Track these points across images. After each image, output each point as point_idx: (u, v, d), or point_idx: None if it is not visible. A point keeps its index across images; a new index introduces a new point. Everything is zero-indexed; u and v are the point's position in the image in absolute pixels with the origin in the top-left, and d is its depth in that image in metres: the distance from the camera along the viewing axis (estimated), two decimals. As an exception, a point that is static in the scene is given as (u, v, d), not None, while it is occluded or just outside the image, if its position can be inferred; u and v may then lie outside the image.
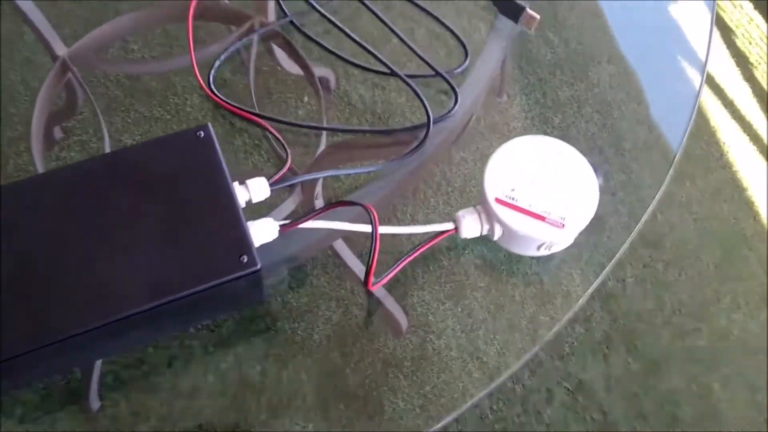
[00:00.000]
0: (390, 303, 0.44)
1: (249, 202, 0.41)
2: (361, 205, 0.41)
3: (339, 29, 0.52)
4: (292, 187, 0.47)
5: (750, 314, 1.24)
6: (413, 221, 0.48)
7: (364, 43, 0.51)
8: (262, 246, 0.40)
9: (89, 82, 0.52)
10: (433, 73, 0.53)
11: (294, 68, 0.55)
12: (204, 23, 0.55)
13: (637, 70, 0.60)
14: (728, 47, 1.60)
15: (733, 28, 1.63)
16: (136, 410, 0.39)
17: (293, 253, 0.45)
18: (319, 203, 0.48)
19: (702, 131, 1.45)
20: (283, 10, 0.55)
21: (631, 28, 0.63)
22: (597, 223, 0.45)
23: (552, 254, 0.46)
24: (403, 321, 0.44)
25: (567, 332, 1.17)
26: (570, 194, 0.43)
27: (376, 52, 0.51)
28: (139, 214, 0.37)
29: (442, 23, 0.57)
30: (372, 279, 0.41)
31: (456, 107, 0.51)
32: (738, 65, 1.57)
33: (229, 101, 0.50)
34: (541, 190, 0.43)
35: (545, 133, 0.54)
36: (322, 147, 0.50)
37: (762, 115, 1.52)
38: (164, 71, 0.53)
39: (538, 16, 0.56)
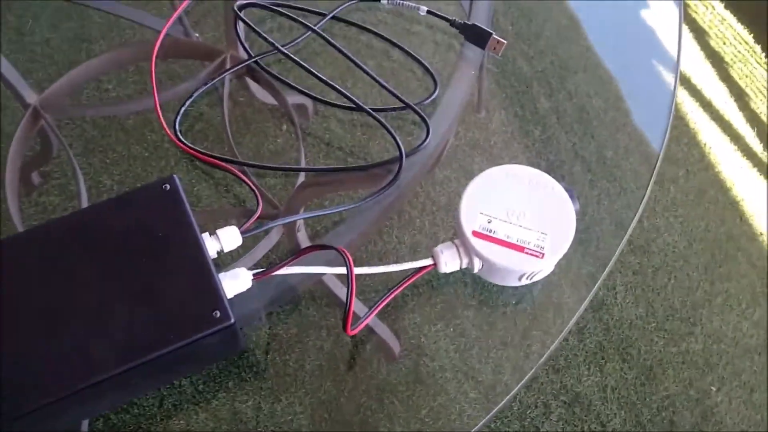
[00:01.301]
0: (381, 328, 0.45)
1: (221, 252, 0.42)
2: (335, 249, 0.41)
3: (302, 67, 0.52)
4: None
5: (743, 314, 1.26)
6: (396, 252, 0.48)
7: (329, 80, 0.52)
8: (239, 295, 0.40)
9: (65, 124, 0.52)
10: (404, 105, 0.53)
11: (269, 98, 0.55)
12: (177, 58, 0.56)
13: (614, 77, 0.61)
14: (702, 48, 1.64)
15: (706, 29, 1.67)
16: (129, 455, 0.39)
17: (273, 297, 0.45)
18: (301, 235, 0.48)
19: (682, 134, 1.48)
20: (247, 52, 0.56)
21: (606, 36, 0.65)
22: (585, 233, 0.46)
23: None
24: (395, 345, 0.44)
25: (561, 344, 1.18)
26: (547, 222, 0.43)
27: (340, 88, 0.51)
28: (107, 275, 0.37)
29: (410, 54, 0.58)
30: (350, 322, 0.41)
31: (428, 139, 0.52)
32: (714, 66, 1.61)
33: (195, 148, 0.50)
34: (518, 221, 0.43)
35: (527, 147, 0.55)
36: (301, 179, 0.51)
37: (740, 114, 1.55)
38: (139, 110, 0.53)
39: (504, 41, 0.57)
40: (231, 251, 0.42)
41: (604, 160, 0.56)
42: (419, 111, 0.53)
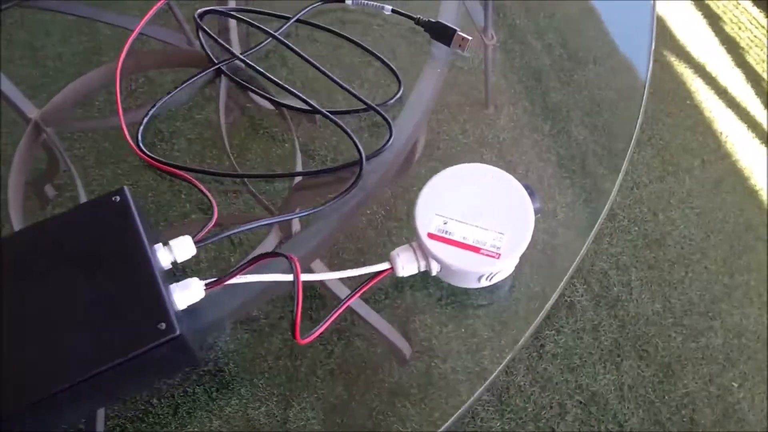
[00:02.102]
0: (391, 331, 0.46)
1: (175, 263, 0.42)
2: (284, 255, 0.41)
3: (260, 73, 0.54)
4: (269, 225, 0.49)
5: (765, 307, 1.26)
6: (364, 255, 0.49)
7: (285, 84, 0.53)
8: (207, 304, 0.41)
9: (78, 136, 0.54)
10: (367, 107, 0.54)
11: (266, 102, 0.57)
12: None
13: (627, 67, 0.62)
14: (717, 34, 1.64)
15: (721, 15, 1.68)
16: (144, 463, 0.40)
17: (236, 306, 0.46)
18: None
19: (697, 123, 1.49)
20: (210, 60, 0.57)
21: (615, 26, 0.66)
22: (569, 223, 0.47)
23: (499, 282, 0.47)
24: (405, 348, 0.45)
25: (575, 343, 1.19)
26: (504, 222, 0.44)
27: (298, 93, 0.53)
28: (53, 290, 0.38)
29: (374, 54, 0.59)
30: (298, 332, 0.40)
31: (391, 139, 0.53)
32: (729, 52, 1.62)
33: (154, 157, 0.51)
34: (474, 221, 0.44)
35: (536, 142, 0.56)
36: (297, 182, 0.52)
37: (757, 100, 1.55)
38: (139, 121, 0.55)
39: (470, 38, 0.58)
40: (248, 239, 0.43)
41: (616, 152, 0.57)
42: (381, 111, 0.54)
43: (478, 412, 0.95)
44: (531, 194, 0.45)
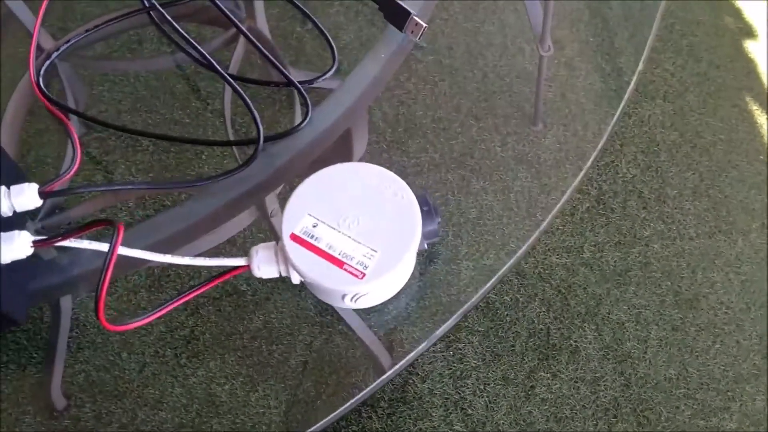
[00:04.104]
0: (372, 339, 0.49)
1: (15, 212, 0.44)
2: (110, 222, 0.41)
3: (177, 45, 0.57)
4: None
5: (793, 401, 1.29)
6: (237, 245, 0.51)
7: (200, 48, 0.55)
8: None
9: (119, 80, 0.59)
10: (287, 81, 0.55)
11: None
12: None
13: (695, 110, 0.65)
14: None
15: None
16: (100, 414, 0.45)
17: (74, 276, 0.49)
18: (276, 220, 0.52)
19: (766, 183, 1.50)
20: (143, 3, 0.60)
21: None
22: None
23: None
24: (385, 358, 0.49)
25: (570, 392, 1.22)
26: (382, 237, 0.43)
27: (208, 56, 0.54)
28: None
29: (315, 23, 0.60)
30: (103, 311, 0.40)
31: (304, 123, 0.54)
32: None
33: (52, 97, 0.54)
34: (348, 229, 0.43)
35: (578, 169, 0.59)
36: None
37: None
38: (157, 69, 0.59)
39: (425, 24, 0.58)
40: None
41: (665, 199, 0.59)
42: (300, 87, 0.55)
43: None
44: (428, 213, 0.44)
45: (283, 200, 0.49)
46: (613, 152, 0.60)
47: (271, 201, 0.53)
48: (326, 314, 0.50)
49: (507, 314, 0.51)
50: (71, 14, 0.61)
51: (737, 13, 1.60)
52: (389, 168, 0.46)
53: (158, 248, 0.43)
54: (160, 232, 0.51)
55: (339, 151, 0.56)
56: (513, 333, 0.51)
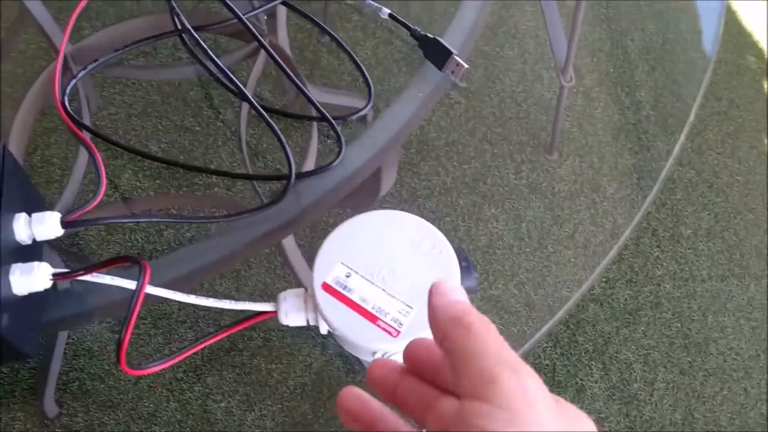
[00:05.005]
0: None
1: (35, 240, 0.43)
2: (137, 260, 0.40)
3: (210, 73, 0.57)
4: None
5: (801, 453, 1.28)
6: (265, 286, 0.50)
7: (234, 79, 0.54)
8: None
9: (132, 83, 0.59)
10: (321, 116, 0.55)
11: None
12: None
13: (713, 149, 0.65)
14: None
15: None
16: (92, 425, 0.44)
17: (104, 303, 0.48)
18: (287, 242, 0.52)
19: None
20: (175, 24, 0.58)
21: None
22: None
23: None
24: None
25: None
26: (419, 293, 0.40)
27: (242, 86, 0.54)
28: None
29: (351, 55, 0.60)
30: (125, 356, 0.39)
31: (337, 160, 0.53)
32: None
33: (76, 117, 0.54)
34: (384, 283, 0.41)
35: (593, 203, 0.59)
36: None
37: None
38: (173, 78, 0.59)
39: (465, 65, 0.58)
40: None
41: (680, 238, 0.59)
42: (334, 124, 0.54)
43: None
44: (466, 269, 0.42)
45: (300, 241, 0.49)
46: (628, 186, 0.60)
47: (288, 244, 0.53)
48: (328, 335, 0.49)
49: (513, 347, 0.50)
50: (85, 13, 0.62)
51: (760, 53, 1.61)
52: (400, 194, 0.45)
53: (177, 286, 0.43)
54: (178, 269, 0.50)
55: (366, 186, 0.56)
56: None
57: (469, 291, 0.39)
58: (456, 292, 0.30)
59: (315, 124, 0.57)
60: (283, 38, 0.62)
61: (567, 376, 0.45)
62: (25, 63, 0.59)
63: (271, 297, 0.44)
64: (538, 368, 0.48)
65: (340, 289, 0.41)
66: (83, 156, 0.55)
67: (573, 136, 0.62)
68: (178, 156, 0.55)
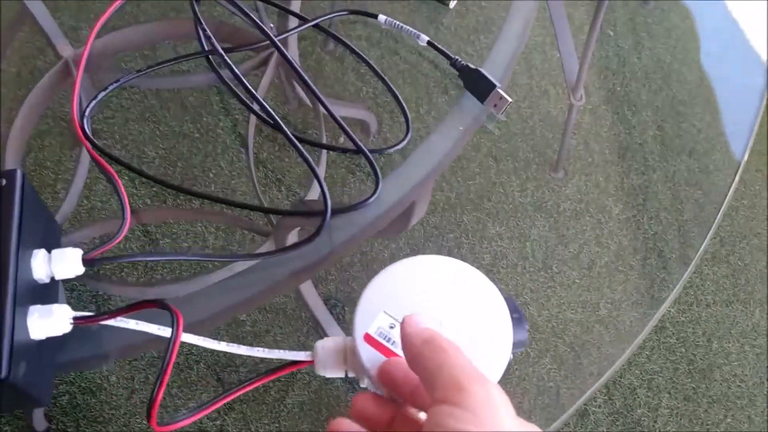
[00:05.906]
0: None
1: (53, 279, 0.41)
2: (168, 308, 0.38)
3: (241, 100, 0.56)
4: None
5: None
6: (296, 330, 0.49)
7: (267, 107, 0.52)
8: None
9: (129, 87, 0.58)
10: (356, 149, 0.53)
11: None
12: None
13: (723, 168, 0.65)
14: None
15: None
16: (82, 441, 0.43)
17: (124, 345, 0.47)
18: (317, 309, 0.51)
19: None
20: (201, 45, 0.57)
21: (728, 114, 0.68)
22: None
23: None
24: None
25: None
26: (466, 348, 0.35)
27: (275, 115, 0.51)
28: None
29: (387, 84, 0.58)
30: (156, 414, 0.36)
31: (374, 197, 0.52)
32: None
33: (96, 143, 0.52)
34: None
35: (598, 223, 0.59)
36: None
37: None
38: (172, 88, 0.59)
39: (509, 99, 0.57)
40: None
41: (687, 260, 0.59)
42: (371, 158, 0.53)
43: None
44: (518, 321, 0.40)
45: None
46: (634, 206, 0.60)
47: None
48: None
49: (516, 368, 0.50)
50: (85, 13, 0.61)
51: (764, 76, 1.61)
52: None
53: (197, 328, 0.42)
54: (201, 311, 0.48)
55: (396, 219, 0.54)
56: (521, 389, 0.50)
57: (520, 345, 0.40)
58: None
59: (324, 151, 0.56)
60: (293, 49, 0.62)
61: (571, 399, 0.44)
62: (20, 62, 0.59)
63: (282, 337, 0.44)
64: (541, 391, 0.48)
65: (383, 341, 0.38)
66: (83, 167, 0.54)
67: (579, 155, 0.62)
68: (176, 162, 0.55)
